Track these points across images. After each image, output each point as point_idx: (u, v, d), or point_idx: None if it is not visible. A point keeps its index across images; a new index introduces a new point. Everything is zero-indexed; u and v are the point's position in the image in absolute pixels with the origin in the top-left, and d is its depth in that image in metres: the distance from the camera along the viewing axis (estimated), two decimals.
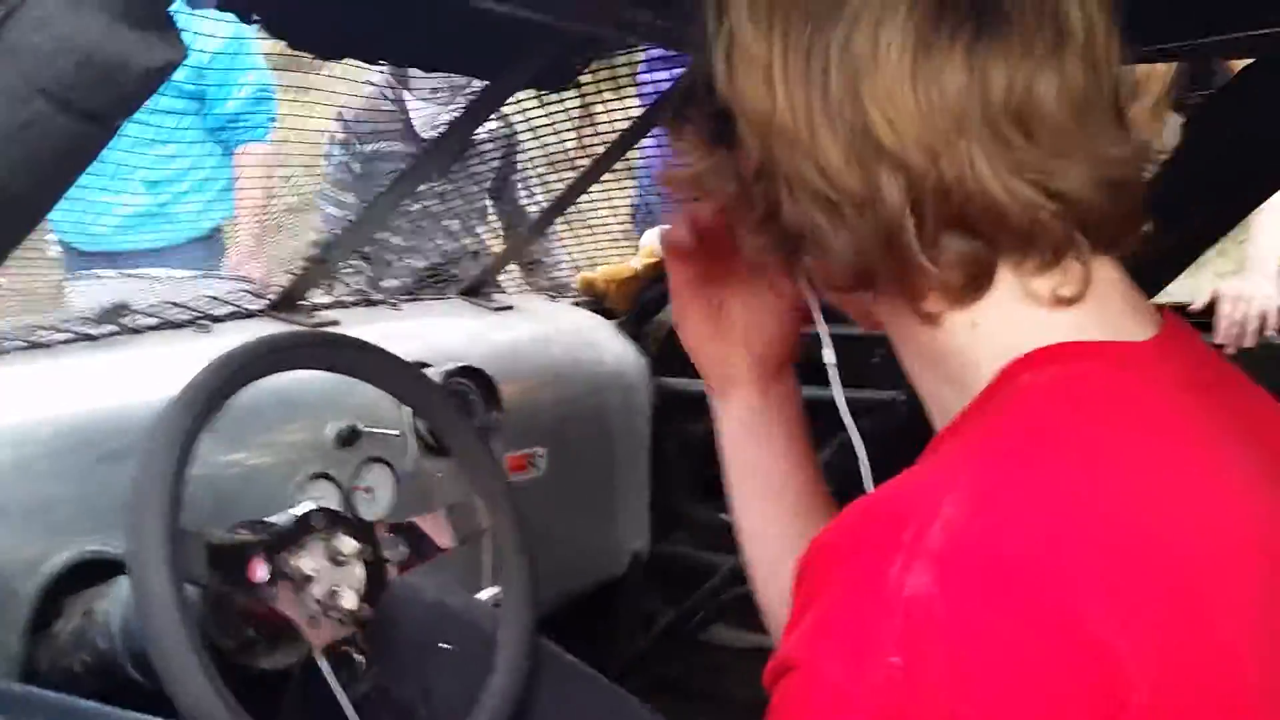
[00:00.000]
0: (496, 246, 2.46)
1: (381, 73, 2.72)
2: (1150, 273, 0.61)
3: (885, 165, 0.57)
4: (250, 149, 2.72)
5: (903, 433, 1.33)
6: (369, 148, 2.82)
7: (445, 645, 1.18)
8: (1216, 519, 0.55)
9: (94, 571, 1.12)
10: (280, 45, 1.03)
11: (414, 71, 2.63)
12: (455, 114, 1.38)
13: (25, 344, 1.28)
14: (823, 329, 0.70)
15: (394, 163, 2.73)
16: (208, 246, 2.73)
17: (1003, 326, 0.60)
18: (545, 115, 1.64)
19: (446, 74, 1.19)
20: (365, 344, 1.09)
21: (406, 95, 2.73)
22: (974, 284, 0.59)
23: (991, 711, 0.47)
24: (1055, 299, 0.60)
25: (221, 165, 2.73)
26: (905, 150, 0.56)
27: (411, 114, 2.73)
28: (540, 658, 1.15)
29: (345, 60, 1.15)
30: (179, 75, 0.62)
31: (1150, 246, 0.63)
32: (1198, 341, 0.66)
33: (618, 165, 1.77)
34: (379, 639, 1.08)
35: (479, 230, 2.88)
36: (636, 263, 1.89)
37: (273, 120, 2.66)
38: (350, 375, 1.10)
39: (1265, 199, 1.27)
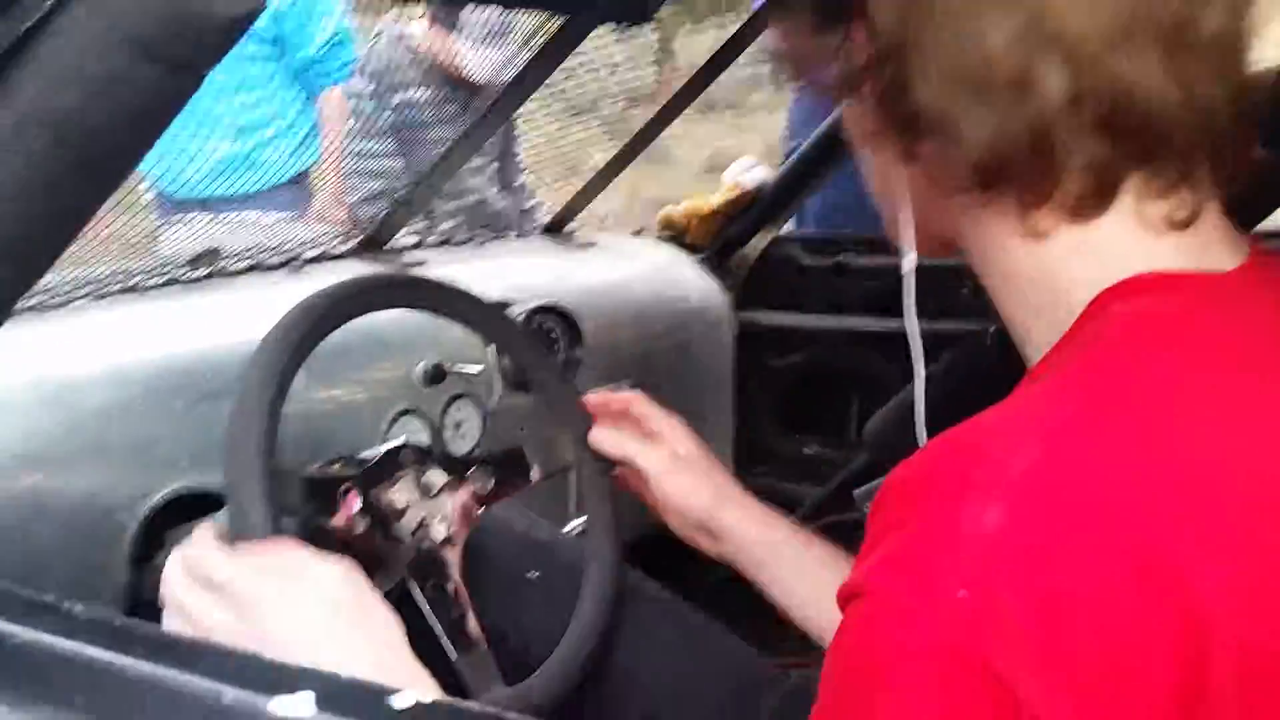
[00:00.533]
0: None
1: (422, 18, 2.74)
2: (1248, 204, 0.60)
3: (1054, 53, 0.55)
4: (333, 94, 2.75)
5: (993, 366, 1.32)
6: (397, 97, 2.84)
7: (532, 575, 1.20)
8: None
9: (193, 505, 1.16)
10: None
11: (465, 14, 2.67)
12: (507, 54, 1.38)
13: (122, 289, 1.32)
14: (908, 231, 0.68)
15: (429, 109, 2.76)
16: (295, 191, 2.78)
17: (1107, 249, 0.59)
18: (623, 51, 1.62)
19: (523, 9, 1.19)
20: (448, 284, 1.10)
21: (456, 38, 2.76)
22: (1099, 196, 0.59)
23: (1062, 653, 0.47)
24: (1169, 223, 0.59)
25: (305, 111, 2.77)
26: (1079, 41, 0.55)
27: (461, 58, 2.75)
28: (626, 587, 1.17)
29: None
30: (258, 22, 0.63)
31: (1252, 177, 0.62)
32: None
33: (698, 101, 1.76)
34: (469, 569, 1.11)
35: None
36: (717, 198, 1.88)
37: (352, 64, 2.68)
38: (435, 314, 1.12)
39: None
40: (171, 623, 0.78)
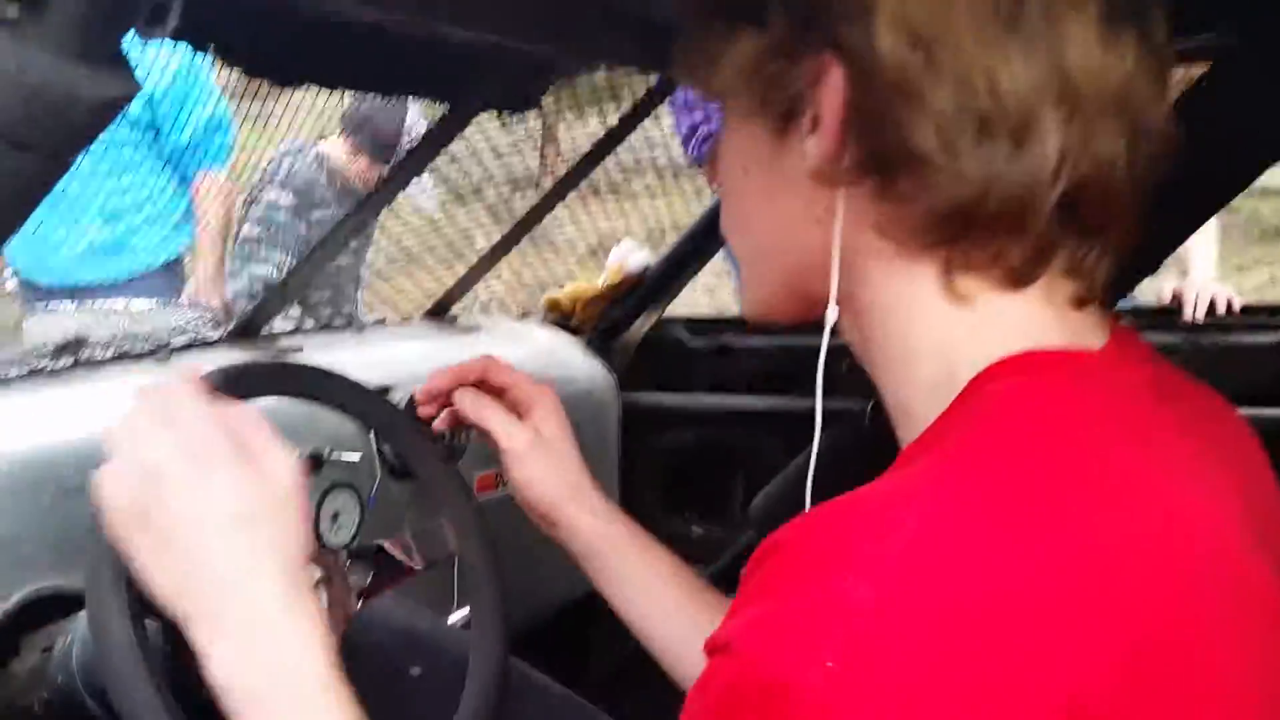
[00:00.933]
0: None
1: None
2: (1121, 275, 0.62)
3: (1062, 109, 0.55)
4: (209, 177, 2.71)
5: (869, 444, 1.34)
6: (315, 214, 2.91)
7: (415, 671, 1.17)
8: (1185, 528, 0.54)
9: (53, 607, 1.11)
10: (236, 73, 1.02)
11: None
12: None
13: None
14: (832, 280, 0.64)
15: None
16: (167, 277, 2.71)
17: (1010, 324, 0.59)
18: (508, 137, 1.63)
19: (406, 96, 1.19)
20: (326, 370, 1.08)
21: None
22: (1034, 268, 0.59)
23: None
24: (1071, 302, 0.60)
25: (179, 195, 2.72)
26: (1086, 100, 0.55)
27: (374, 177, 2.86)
28: (512, 680, 1.14)
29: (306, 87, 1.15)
30: (132, 107, 0.62)
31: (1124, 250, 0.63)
32: (1144, 344, 0.67)
33: (581, 186, 1.78)
34: (347, 666, 1.07)
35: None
36: (601, 281, 1.89)
37: (230, 148, 2.64)
38: (312, 401, 1.09)
39: (1228, 201, 1.30)
40: (115, 459, 0.75)
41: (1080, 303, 0.61)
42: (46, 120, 0.56)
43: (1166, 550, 0.53)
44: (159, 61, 1.37)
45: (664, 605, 0.99)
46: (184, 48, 0.91)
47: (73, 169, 0.61)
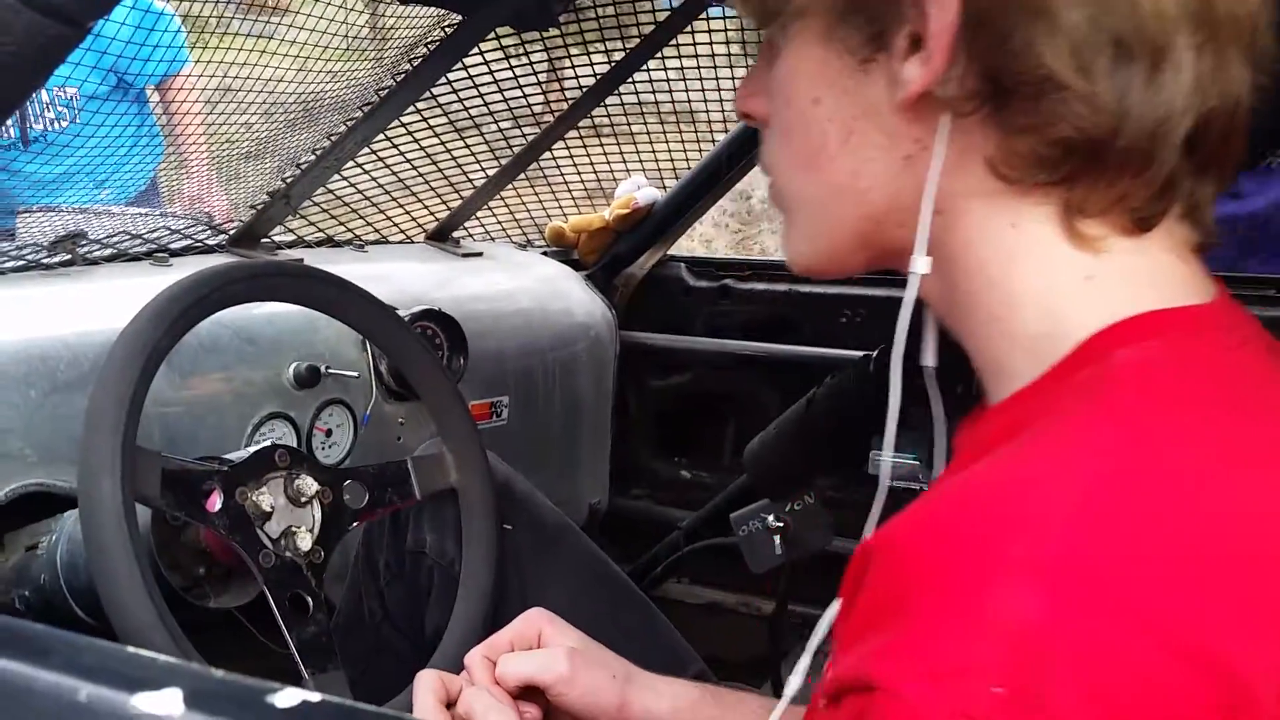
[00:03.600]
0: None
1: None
2: None
3: (1199, 34, 0.51)
4: (173, 84, 2.63)
5: (871, 394, 1.33)
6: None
7: (507, 526, 1.17)
8: None
9: (40, 505, 1.09)
10: None
11: None
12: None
13: None
14: (924, 228, 0.57)
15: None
16: (148, 199, 2.66)
17: (1139, 276, 0.54)
18: (509, 71, 1.60)
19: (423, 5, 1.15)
20: (341, 279, 1.06)
21: None
22: (1155, 211, 0.54)
23: None
24: (1191, 246, 0.56)
25: (139, 115, 2.67)
26: (1222, 25, 0.51)
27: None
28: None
29: None
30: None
31: None
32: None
33: (583, 126, 1.75)
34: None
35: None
36: (608, 214, 1.86)
37: (181, 47, 2.52)
38: (322, 311, 1.07)
39: None
40: None
41: (1200, 248, 0.56)
42: None
43: None
44: None
45: None
46: None
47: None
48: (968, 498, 0.48)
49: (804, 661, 0.64)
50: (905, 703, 0.43)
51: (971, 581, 0.44)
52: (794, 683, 0.65)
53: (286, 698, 0.35)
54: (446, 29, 1.28)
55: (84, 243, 1.33)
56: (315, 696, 0.35)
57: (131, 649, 0.39)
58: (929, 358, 0.64)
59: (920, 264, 0.57)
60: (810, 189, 0.62)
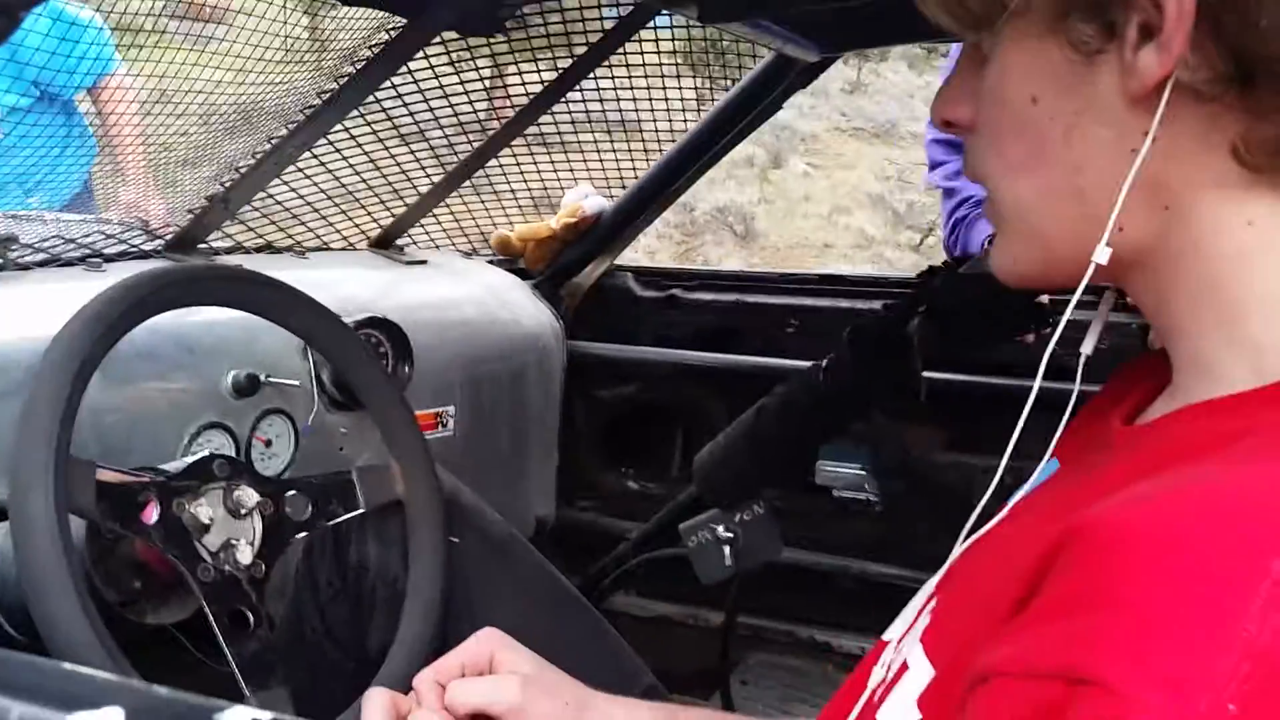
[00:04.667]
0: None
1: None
2: None
3: None
4: (107, 83, 2.57)
5: (822, 402, 1.33)
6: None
7: (454, 539, 1.14)
8: None
9: None
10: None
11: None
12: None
13: None
14: (1115, 211, 0.55)
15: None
16: (83, 204, 2.60)
17: None
18: (456, 77, 1.58)
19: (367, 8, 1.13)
20: (282, 283, 1.03)
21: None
22: None
23: None
24: None
25: (68, 123, 2.62)
26: None
27: None
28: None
29: None
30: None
31: None
32: None
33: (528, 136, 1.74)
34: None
35: None
36: (555, 222, 1.85)
37: (108, 48, 2.47)
38: (263, 315, 1.04)
39: None
40: None
41: None
42: None
43: None
44: None
45: None
46: None
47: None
48: (1216, 503, 0.46)
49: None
50: (1135, 706, 0.42)
51: (1224, 593, 0.43)
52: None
53: (233, 716, 0.33)
54: (391, 32, 1.26)
55: (15, 247, 1.29)
56: (265, 715, 0.33)
57: (68, 665, 0.37)
58: (1088, 345, 0.63)
59: (1099, 254, 0.55)
60: (1028, 193, 0.60)
